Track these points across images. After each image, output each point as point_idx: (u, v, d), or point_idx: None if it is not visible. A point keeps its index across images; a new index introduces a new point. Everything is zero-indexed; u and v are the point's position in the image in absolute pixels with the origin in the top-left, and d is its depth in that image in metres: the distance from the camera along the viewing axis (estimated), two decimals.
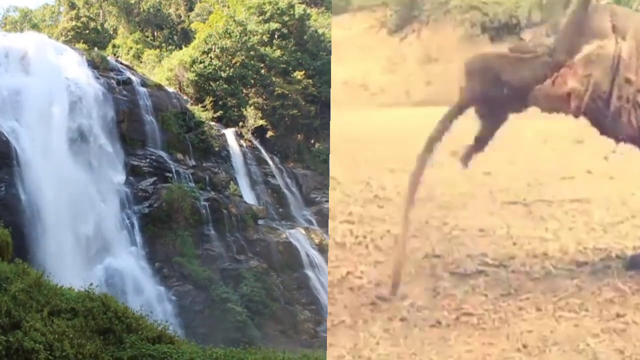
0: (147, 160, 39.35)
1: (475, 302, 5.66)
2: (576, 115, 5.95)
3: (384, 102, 5.91)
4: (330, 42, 55.85)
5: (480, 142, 6.05)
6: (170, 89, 46.27)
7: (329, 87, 45.28)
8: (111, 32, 63.61)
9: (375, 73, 5.82)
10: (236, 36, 51.27)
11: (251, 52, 51.30)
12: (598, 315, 5.68)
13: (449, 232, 6.16)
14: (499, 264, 5.92)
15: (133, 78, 42.94)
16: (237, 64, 50.28)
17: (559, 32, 5.75)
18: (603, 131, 6.02)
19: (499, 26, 5.78)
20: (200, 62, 49.54)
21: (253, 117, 48.64)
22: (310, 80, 51.79)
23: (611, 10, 5.78)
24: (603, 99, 5.83)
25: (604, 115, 5.88)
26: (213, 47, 50.41)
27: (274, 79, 51.06)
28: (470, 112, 5.97)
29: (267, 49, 52.31)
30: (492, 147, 6.11)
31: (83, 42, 52.25)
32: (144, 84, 43.15)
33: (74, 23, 59.07)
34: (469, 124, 6.05)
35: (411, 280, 5.65)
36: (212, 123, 46.34)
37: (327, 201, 47.22)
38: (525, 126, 6.03)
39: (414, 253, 5.80)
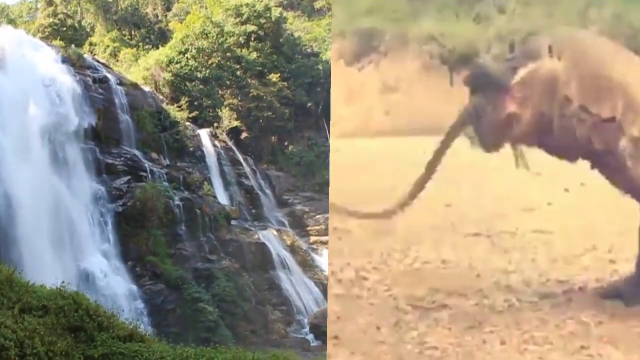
0: (122, 158, 39.25)
1: (439, 335, 5.59)
2: (526, 143, 5.86)
3: (343, 131, 5.95)
4: (305, 45, 56.23)
5: None
6: (146, 88, 46.18)
7: (304, 90, 45.55)
8: (88, 30, 63.31)
9: (334, 103, 5.87)
10: (213, 37, 51.41)
11: (227, 54, 51.47)
12: (562, 349, 5.60)
13: (410, 265, 6.10)
14: (463, 297, 5.87)
15: (109, 76, 42.71)
16: (213, 65, 50.44)
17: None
18: (551, 151, 5.95)
19: (458, 58, 5.87)
20: (177, 62, 49.61)
21: (228, 118, 48.78)
22: (285, 83, 52.12)
23: (551, 32, 5.82)
24: (546, 119, 5.82)
25: (549, 136, 5.83)
26: (190, 47, 50.50)
27: (249, 80, 51.25)
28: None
29: (243, 50, 52.52)
30: (452, 179, 6.07)
31: (60, 39, 51.80)
32: (120, 82, 42.96)
33: (51, 20, 58.67)
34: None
35: (373, 314, 5.61)
36: (187, 123, 46.39)
37: (300, 203, 47.59)
38: (484, 158, 6.04)
39: (375, 286, 5.78)
